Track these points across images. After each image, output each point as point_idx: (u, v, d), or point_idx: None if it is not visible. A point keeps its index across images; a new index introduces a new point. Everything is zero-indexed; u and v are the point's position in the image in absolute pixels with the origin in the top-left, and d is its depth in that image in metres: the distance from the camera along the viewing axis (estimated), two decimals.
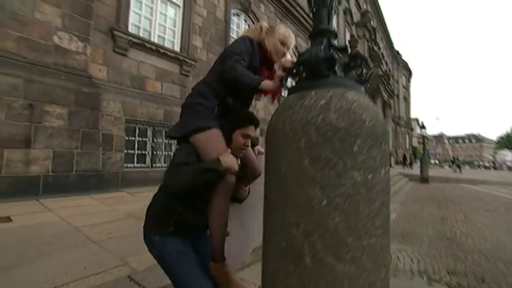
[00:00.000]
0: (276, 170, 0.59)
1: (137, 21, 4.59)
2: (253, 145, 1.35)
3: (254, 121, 1.12)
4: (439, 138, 78.12)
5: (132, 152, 4.47)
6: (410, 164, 19.70)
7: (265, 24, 1.31)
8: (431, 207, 5.14)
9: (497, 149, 62.23)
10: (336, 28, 0.90)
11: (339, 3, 14.51)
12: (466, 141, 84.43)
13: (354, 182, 0.51)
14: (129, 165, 4.33)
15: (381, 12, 24.03)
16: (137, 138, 4.54)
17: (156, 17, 4.85)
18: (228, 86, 1.14)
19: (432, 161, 37.69)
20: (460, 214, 4.53)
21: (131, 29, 4.41)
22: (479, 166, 45.59)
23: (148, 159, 4.68)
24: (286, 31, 1.26)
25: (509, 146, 53.83)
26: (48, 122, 3.23)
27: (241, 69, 1.07)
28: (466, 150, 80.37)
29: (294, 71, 0.65)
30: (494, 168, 41.46)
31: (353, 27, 16.69)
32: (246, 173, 1.20)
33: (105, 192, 3.60)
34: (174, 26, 5.19)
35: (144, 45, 4.46)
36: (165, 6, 5.06)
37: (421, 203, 5.59)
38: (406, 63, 32.82)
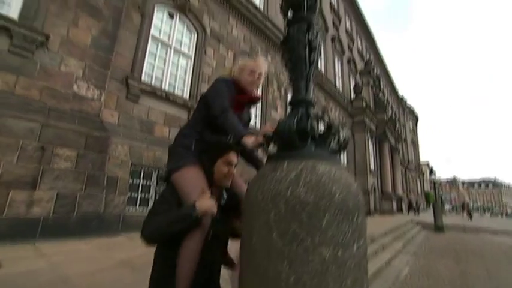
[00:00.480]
0: (248, 239, 0.59)
1: (150, 71, 4.98)
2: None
3: (232, 146, 1.12)
4: (453, 182, 75.48)
5: (136, 195, 4.48)
6: (417, 210, 18.74)
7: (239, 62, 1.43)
8: (448, 260, 4.76)
9: None
10: (313, 98, 0.93)
11: (345, 51, 15.47)
12: (482, 185, 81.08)
13: (323, 259, 0.50)
14: (131, 208, 4.31)
15: (384, 61, 25.33)
16: (142, 181, 4.58)
17: (169, 67, 5.26)
18: (213, 128, 1.20)
19: (447, 207, 35.92)
20: (482, 269, 4.16)
21: (144, 77, 4.76)
22: (501, 214, 42.92)
23: (151, 203, 4.65)
24: (250, 62, 1.36)
25: None
26: (57, 164, 3.34)
27: (231, 119, 1.15)
28: (484, 196, 76.68)
29: (272, 139, 0.69)
30: None
31: (357, 75, 17.49)
32: (237, 204, 1.13)
33: (104, 236, 3.52)
34: (185, 75, 5.58)
35: (155, 93, 4.76)
36: (178, 57, 5.51)
37: (436, 255, 5.21)
38: (412, 109, 33.43)
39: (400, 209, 16.91)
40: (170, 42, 5.33)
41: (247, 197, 0.62)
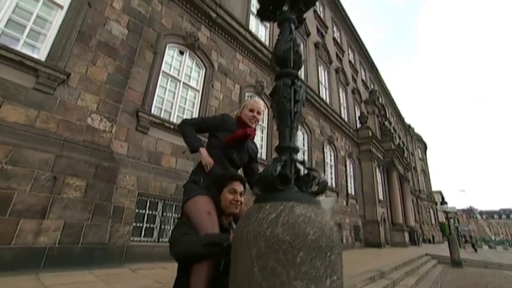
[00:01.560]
0: (234, 273, 0.66)
1: (160, 104, 5.26)
2: None
3: (236, 176, 1.26)
4: (469, 212, 72.00)
5: (141, 225, 4.51)
6: (417, 240, 17.71)
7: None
8: None
9: None
10: (297, 145, 1.13)
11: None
12: (503, 216, 76.84)
13: None
14: (135, 238, 4.32)
15: (388, 91, 25.81)
16: (147, 211, 4.63)
17: (177, 100, 5.56)
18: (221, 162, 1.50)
19: (465, 239, 33.99)
20: None
21: (154, 110, 5.03)
22: None
23: (155, 233, 4.66)
24: (251, 101, 1.74)
25: None
26: (66, 193, 3.46)
27: (187, 130, 1.63)
28: (506, 227, 72.09)
29: (260, 182, 0.78)
30: None
31: (362, 105, 17.80)
32: None
33: (107, 267, 3.51)
34: (193, 108, 5.86)
35: (163, 125, 4.99)
36: (186, 91, 5.84)
37: None
38: (420, 136, 33.25)
39: (413, 241, 16.14)
40: (179, 77, 5.69)
41: (236, 235, 0.69)
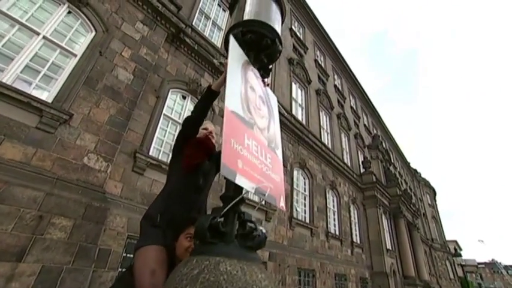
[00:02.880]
0: None
1: (159, 146, 5.37)
2: None
3: (194, 219, 1.12)
4: (492, 266, 66.15)
5: None
6: None
7: None
8: None
9: None
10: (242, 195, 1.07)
11: (349, 129, 16.15)
12: None
13: None
14: None
15: (391, 135, 26.00)
16: None
17: None
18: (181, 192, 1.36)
19: None
20: None
21: (152, 151, 5.11)
22: None
23: None
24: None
25: None
26: (50, 234, 3.35)
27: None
28: None
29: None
30: None
31: (365, 150, 17.82)
32: None
33: None
34: None
35: (160, 166, 5.02)
36: None
37: None
38: (427, 181, 32.41)
39: None
40: (180, 120, 5.89)
41: None
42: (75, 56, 4.45)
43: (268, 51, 1.14)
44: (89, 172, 4.07)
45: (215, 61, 6.76)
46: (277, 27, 1.21)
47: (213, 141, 1.69)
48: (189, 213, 1.33)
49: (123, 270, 1.18)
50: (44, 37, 4.18)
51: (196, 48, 6.58)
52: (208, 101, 1.44)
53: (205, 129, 1.68)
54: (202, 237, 0.67)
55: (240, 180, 0.66)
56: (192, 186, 1.40)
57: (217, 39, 7.99)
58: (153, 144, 5.16)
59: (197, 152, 1.47)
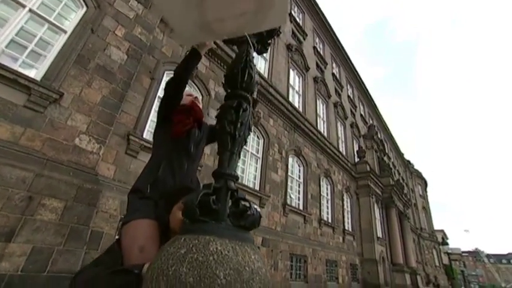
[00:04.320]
0: None
1: (153, 129, 5.25)
2: None
3: (189, 190, 1.05)
4: (475, 255, 68.57)
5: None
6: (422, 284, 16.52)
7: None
8: None
9: None
10: (235, 172, 0.97)
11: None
12: None
13: None
14: None
15: (387, 127, 26.11)
16: None
17: None
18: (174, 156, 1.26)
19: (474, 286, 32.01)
20: None
21: (146, 134, 5.01)
22: None
23: None
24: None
25: None
26: (41, 215, 3.30)
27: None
28: None
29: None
30: None
31: (360, 139, 17.89)
32: None
33: None
34: None
35: None
36: None
37: None
38: (420, 173, 32.91)
39: (415, 284, 15.18)
40: None
41: (146, 270, 0.59)
42: (65, 32, 4.26)
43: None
44: (80, 153, 3.97)
45: None
46: None
47: (200, 107, 1.59)
48: (181, 182, 1.24)
49: (113, 242, 1.08)
50: (30, 10, 3.97)
51: None
52: (192, 60, 1.34)
53: (190, 95, 1.56)
54: (192, 214, 0.61)
55: None
56: (183, 152, 1.30)
57: None
58: (147, 127, 5.05)
59: (187, 118, 1.39)
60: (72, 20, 4.38)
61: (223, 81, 0.91)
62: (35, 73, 3.87)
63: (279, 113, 9.32)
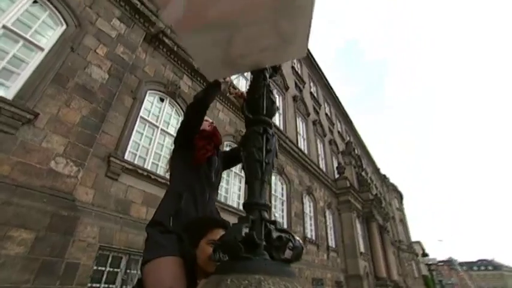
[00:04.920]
0: None
1: (135, 150, 5.04)
2: None
3: (218, 223, 0.95)
4: (450, 263, 71.01)
5: (97, 285, 3.89)
6: None
7: None
8: None
9: None
10: (266, 201, 0.97)
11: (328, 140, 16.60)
12: (482, 268, 76.24)
13: None
14: None
15: (363, 142, 27.18)
16: (108, 268, 4.06)
17: (154, 146, 5.37)
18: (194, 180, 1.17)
19: None
20: None
21: (128, 156, 4.78)
22: None
23: None
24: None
25: None
26: (6, 249, 2.95)
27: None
28: (486, 280, 70.87)
29: (220, 248, 0.63)
30: None
31: (339, 156, 18.40)
32: None
33: None
34: (168, 155, 5.68)
35: (136, 171, 4.71)
36: (164, 137, 5.71)
37: None
38: (395, 186, 34.19)
39: None
40: (158, 124, 5.60)
41: None
42: (42, 49, 4.07)
43: None
44: (56, 178, 3.68)
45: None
46: None
47: (212, 126, 1.53)
48: (203, 212, 1.15)
49: (134, 285, 0.95)
50: (4, 26, 3.76)
51: (175, 49, 6.36)
52: (213, 89, 1.28)
53: (206, 120, 1.50)
54: (236, 252, 0.56)
55: None
56: (205, 181, 1.23)
57: None
58: (128, 148, 4.83)
59: (209, 144, 1.33)
60: (50, 37, 4.21)
61: (243, 107, 0.88)
62: (6, 92, 3.61)
63: None
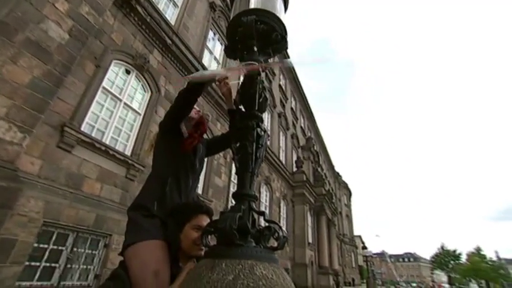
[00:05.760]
0: None
1: (93, 122, 4.66)
2: None
3: (202, 208, 0.97)
4: (382, 255, 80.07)
5: (37, 264, 3.60)
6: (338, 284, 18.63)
7: None
8: None
9: (433, 269, 64.25)
10: (255, 192, 1.02)
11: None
12: (406, 260, 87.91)
13: None
14: (23, 283, 3.39)
15: (323, 139, 28.62)
16: (51, 246, 3.77)
17: (114, 120, 5.03)
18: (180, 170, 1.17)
19: (380, 282, 37.12)
20: None
21: (84, 127, 4.42)
22: None
23: (56, 275, 3.77)
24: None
25: (441, 267, 56.07)
26: None
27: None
28: (408, 270, 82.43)
29: (211, 233, 0.67)
30: None
31: (299, 150, 19.15)
32: None
33: None
34: (130, 131, 5.37)
35: (93, 145, 4.38)
36: (127, 112, 5.37)
37: None
38: (346, 184, 36.92)
39: (337, 285, 16.81)
40: (121, 97, 5.23)
41: None
42: None
43: (276, 46, 1.10)
44: None
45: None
46: (284, 22, 1.18)
47: (200, 115, 1.51)
48: (187, 199, 1.16)
49: (116, 267, 0.92)
50: None
51: (148, 20, 5.92)
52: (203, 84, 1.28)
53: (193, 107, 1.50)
54: (231, 239, 0.60)
55: None
56: (190, 169, 1.23)
57: (171, 16, 7.35)
58: (86, 119, 4.45)
59: (196, 132, 1.32)
60: None
61: (236, 99, 0.90)
62: None
63: (227, 118, 9.30)
